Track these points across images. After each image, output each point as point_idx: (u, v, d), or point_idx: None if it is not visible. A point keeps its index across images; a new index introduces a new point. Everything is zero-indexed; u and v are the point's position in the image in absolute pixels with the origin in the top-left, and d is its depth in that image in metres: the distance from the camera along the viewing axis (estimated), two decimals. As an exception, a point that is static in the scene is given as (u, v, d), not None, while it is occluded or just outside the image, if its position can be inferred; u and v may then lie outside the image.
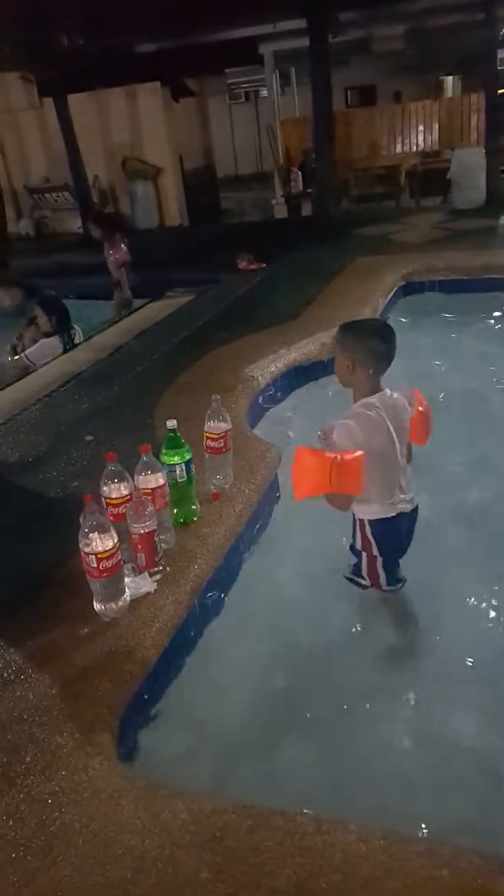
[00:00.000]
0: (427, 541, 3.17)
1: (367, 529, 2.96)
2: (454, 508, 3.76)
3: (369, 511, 2.93)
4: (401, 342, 2.86)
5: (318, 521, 3.58)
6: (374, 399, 2.81)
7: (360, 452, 2.65)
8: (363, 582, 3.09)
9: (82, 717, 2.26)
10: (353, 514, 3.00)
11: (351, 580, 3.14)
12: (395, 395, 2.88)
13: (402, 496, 2.92)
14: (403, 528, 3.00)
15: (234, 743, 2.58)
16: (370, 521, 2.94)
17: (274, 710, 2.73)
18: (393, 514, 2.92)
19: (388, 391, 2.86)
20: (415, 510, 3.00)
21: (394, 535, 2.98)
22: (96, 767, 2.10)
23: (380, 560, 3.00)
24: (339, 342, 2.88)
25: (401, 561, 3.08)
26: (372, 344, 2.81)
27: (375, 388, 2.84)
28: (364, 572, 3.07)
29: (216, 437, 3.29)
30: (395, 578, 3.06)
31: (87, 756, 2.14)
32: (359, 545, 3.02)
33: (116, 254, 7.90)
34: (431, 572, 3.28)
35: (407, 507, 2.95)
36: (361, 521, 2.96)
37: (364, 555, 3.02)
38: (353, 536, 3.05)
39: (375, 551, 2.98)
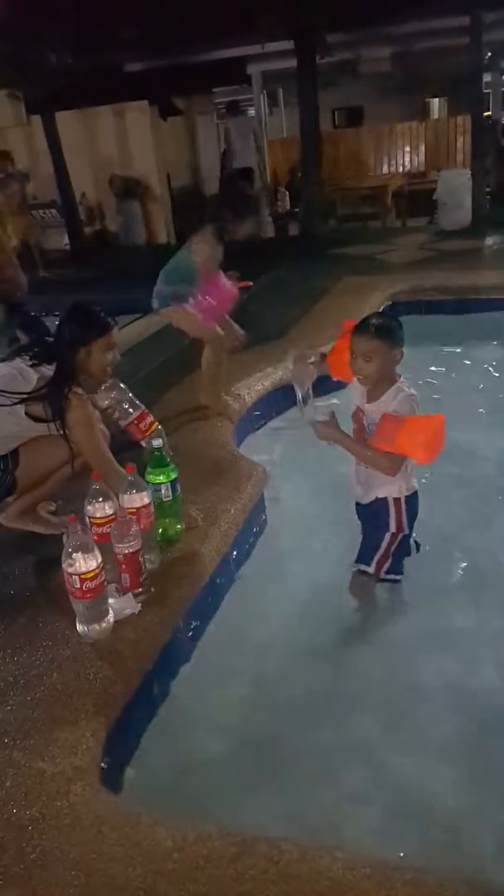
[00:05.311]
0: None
1: (404, 507, 3.06)
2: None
3: (406, 487, 3.04)
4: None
5: (306, 539, 3.58)
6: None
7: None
8: (369, 570, 3.15)
9: (64, 741, 2.23)
10: (385, 499, 3.06)
11: (364, 573, 3.18)
12: None
13: None
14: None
15: (221, 767, 2.54)
16: (407, 498, 3.05)
17: (262, 733, 2.69)
18: (416, 487, 3.09)
19: None
20: None
21: (417, 507, 3.12)
22: (78, 793, 2.06)
23: (401, 537, 3.10)
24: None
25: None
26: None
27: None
28: (376, 556, 3.12)
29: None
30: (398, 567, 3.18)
31: (68, 781, 2.10)
32: (393, 527, 3.07)
33: None
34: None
35: None
36: (398, 500, 3.05)
37: (391, 535, 3.09)
38: (384, 521, 3.09)
39: (406, 527, 3.09)
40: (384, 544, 3.10)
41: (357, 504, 3.23)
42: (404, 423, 2.80)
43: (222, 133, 12.43)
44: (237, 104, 12.70)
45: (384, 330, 2.85)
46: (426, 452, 2.82)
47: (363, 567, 3.17)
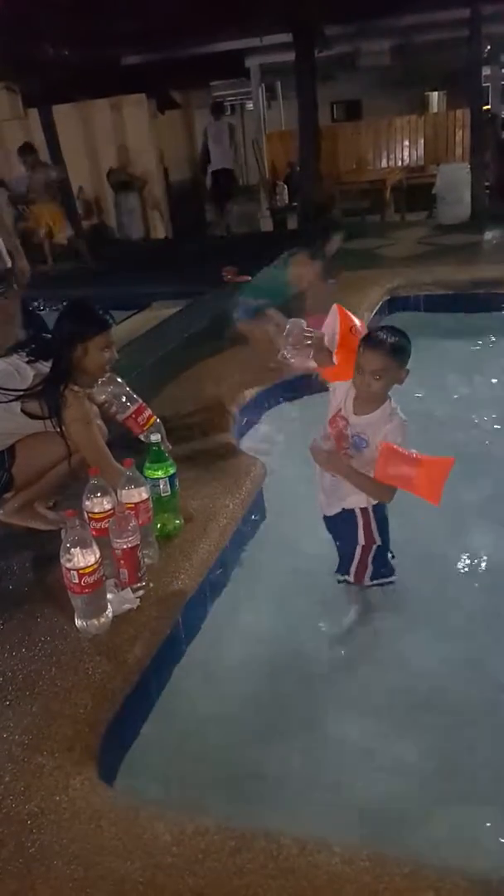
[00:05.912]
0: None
1: (372, 517, 2.99)
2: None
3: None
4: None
5: (304, 534, 3.57)
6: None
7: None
8: (349, 578, 3.14)
9: (63, 736, 2.23)
10: (352, 511, 2.99)
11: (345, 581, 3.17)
12: None
13: None
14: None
15: (219, 762, 2.55)
16: (374, 507, 2.97)
17: (261, 727, 2.70)
18: None
19: None
20: None
21: (386, 515, 3.05)
22: (77, 787, 2.07)
23: (375, 549, 3.04)
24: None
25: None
26: None
27: None
28: (353, 567, 3.10)
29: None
30: (383, 571, 3.12)
31: (67, 776, 2.10)
32: (362, 540, 3.03)
33: None
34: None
35: None
36: (365, 510, 2.97)
37: (361, 547, 3.04)
38: (353, 534, 3.04)
39: (377, 539, 3.03)
40: (357, 556, 3.07)
41: (324, 516, 3.16)
42: (420, 465, 2.66)
43: (206, 133, 12.35)
44: (221, 105, 12.66)
45: (399, 349, 2.73)
46: (438, 496, 2.70)
47: (343, 577, 3.17)
